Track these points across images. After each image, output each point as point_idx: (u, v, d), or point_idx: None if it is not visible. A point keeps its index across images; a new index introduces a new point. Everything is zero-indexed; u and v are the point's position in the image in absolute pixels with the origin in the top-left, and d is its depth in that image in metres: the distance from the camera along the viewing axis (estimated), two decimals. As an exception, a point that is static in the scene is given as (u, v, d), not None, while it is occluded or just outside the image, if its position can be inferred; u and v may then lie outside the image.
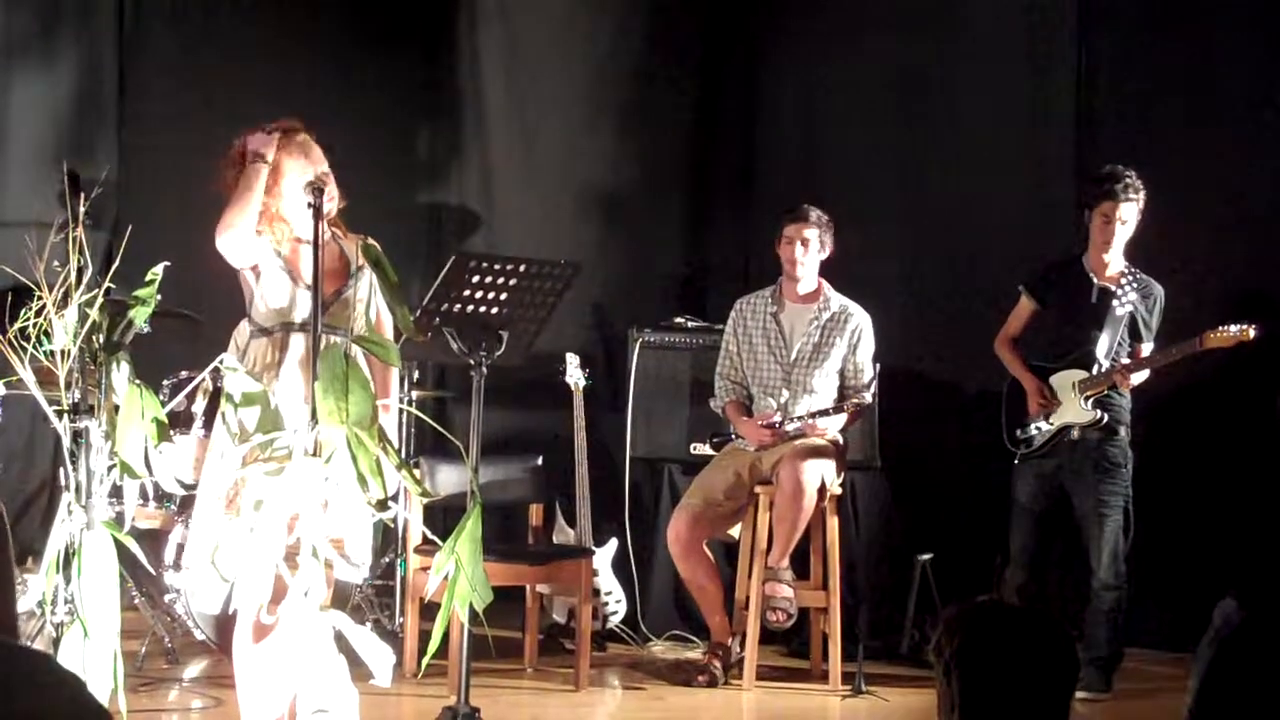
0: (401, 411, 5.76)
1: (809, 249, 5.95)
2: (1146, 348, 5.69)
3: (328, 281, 4.10)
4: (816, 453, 5.75)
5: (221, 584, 3.93)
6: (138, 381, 3.90)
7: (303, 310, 4.15)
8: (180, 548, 5.61)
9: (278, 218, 4.20)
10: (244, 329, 4.25)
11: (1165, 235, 5.86)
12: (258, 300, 4.18)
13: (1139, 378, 5.64)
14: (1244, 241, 6.35)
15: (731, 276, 6.93)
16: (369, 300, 4.28)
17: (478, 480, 4.26)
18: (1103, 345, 5.66)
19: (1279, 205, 6.32)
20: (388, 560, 6.27)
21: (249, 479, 3.92)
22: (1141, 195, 5.65)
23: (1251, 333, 5.41)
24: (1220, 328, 5.43)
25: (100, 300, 3.90)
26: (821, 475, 5.70)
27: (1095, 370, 5.66)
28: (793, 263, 5.97)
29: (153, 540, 5.59)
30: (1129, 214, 5.65)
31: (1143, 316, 5.69)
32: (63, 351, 3.87)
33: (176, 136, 6.95)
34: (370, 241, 4.21)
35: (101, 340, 3.89)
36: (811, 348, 5.97)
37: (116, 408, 3.85)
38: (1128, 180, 5.62)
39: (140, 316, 3.95)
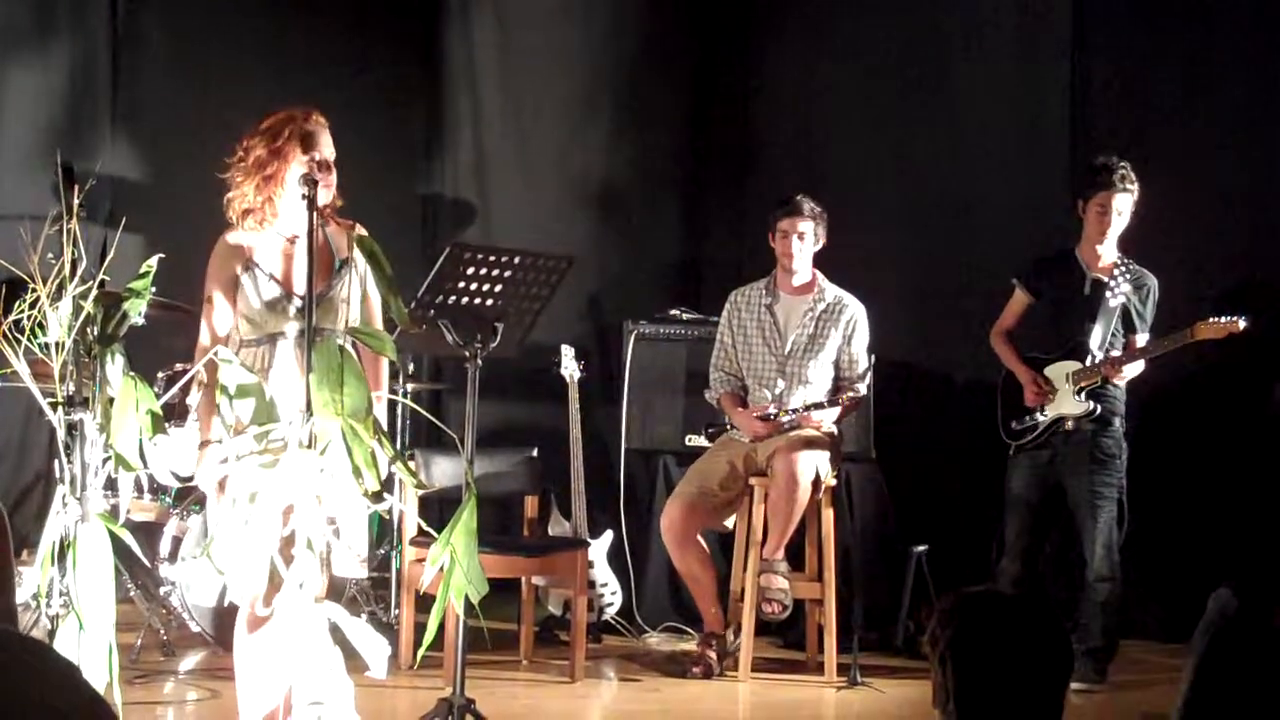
0: (397, 404, 5.76)
1: (804, 241, 5.96)
2: (1141, 338, 5.69)
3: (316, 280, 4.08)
4: (811, 444, 5.76)
5: (217, 576, 3.93)
6: (132, 374, 3.89)
7: (292, 314, 4.14)
8: (175, 540, 5.62)
9: (273, 214, 4.18)
10: (234, 335, 4.24)
11: (1161, 229, 5.86)
12: (251, 300, 4.16)
13: (1132, 370, 5.64)
14: (1239, 235, 6.36)
15: (727, 269, 6.93)
16: (362, 295, 4.26)
17: (473, 472, 4.25)
18: (1095, 337, 5.67)
19: (1274, 199, 6.32)
20: (383, 552, 6.28)
21: (242, 470, 3.92)
22: (1136, 188, 5.66)
23: (1241, 324, 5.42)
24: (1211, 319, 5.44)
25: (94, 293, 3.89)
26: (816, 467, 5.71)
27: (1089, 361, 5.67)
28: (789, 256, 5.97)
29: (148, 533, 5.59)
30: (1124, 205, 5.66)
31: (1136, 307, 5.70)
32: (57, 344, 3.86)
33: (171, 128, 6.95)
34: (362, 232, 4.20)
35: (96, 333, 3.89)
36: (807, 339, 5.98)
37: (111, 400, 3.84)
38: (1123, 171, 5.63)
39: (135, 309, 3.94)
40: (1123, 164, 5.65)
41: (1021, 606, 2.50)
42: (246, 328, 4.17)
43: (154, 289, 4.01)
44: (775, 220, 6.00)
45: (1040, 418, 5.73)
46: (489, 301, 4.56)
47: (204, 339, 4.17)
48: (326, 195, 4.16)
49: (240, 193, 4.17)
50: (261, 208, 4.16)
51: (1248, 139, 6.37)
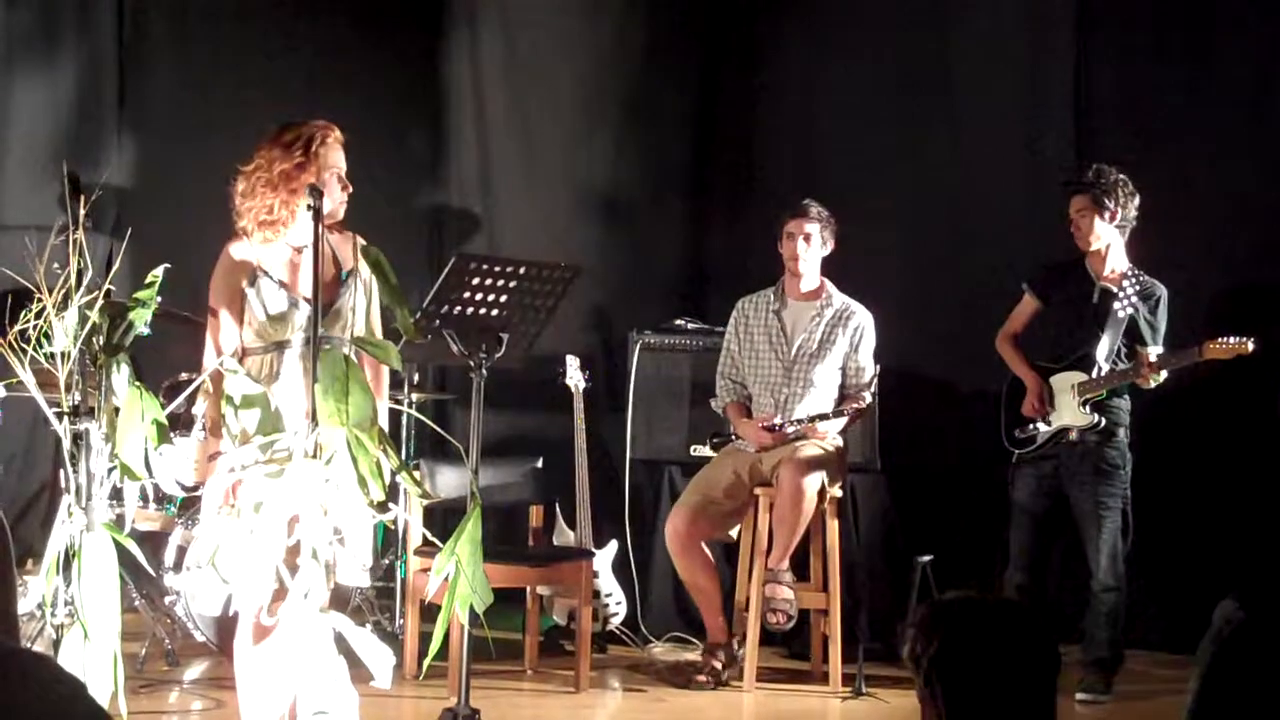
0: (402, 413, 5.76)
1: (810, 244, 5.97)
2: (1152, 350, 5.63)
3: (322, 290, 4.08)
4: (817, 456, 5.75)
5: (222, 586, 3.93)
6: (138, 384, 3.90)
7: (295, 322, 4.14)
8: (180, 549, 5.62)
9: (276, 224, 4.18)
10: (239, 348, 4.24)
11: (1164, 234, 5.86)
12: (257, 312, 4.16)
13: (1159, 377, 5.57)
14: (1244, 240, 6.35)
15: (731, 278, 6.92)
16: (369, 303, 4.27)
17: (478, 482, 4.26)
18: (1103, 348, 5.65)
19: (1277, 208, 6.32)
20: (388, 562, 6.27)
21: (247, 480, 3.92)
22: (1102, 195, 5.61)
23: (1250, 346, 5.38)
24: (1220, 339, 5.40)
25: (100, 302, 3.90)
26: (822, 478, 5.70)
27: (1095, 373, 5.65)
28: (795, 258, 5.97)
29: (153, 542, 5.59)
30: (1078, 205, 5.65)
31: (1146, 318, 5.67)
32: (63, 354, 3.87)
33: (177, 139, 6.97)
34: (365, 244, 4.21)
35: (101, 342, 3.89)
36: (815, 345, 5.98)
37: (116, 410, 3.85)
38: (1084, 178, 5.63)
39: (140, 319, 3.95)
40: (1096, 169, 5.65)
41: (1000, 610, 2.46)
42: (253, 337, 4.18)
43: (160, 299, 4.02)
44: (782, 224, 6.01)
45: (1043, 427, 5.72)
46: (494, 311, 4.57)
47: (209, 356, 4.16)
48: (342, 209, 4.19)
49: (262, 204, 4.15)
50: (281, 219, 4.16)
51: (1252, 143, 6.37)
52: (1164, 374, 5.54)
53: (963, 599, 2.46)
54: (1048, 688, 2.39)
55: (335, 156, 4.20)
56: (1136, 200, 5.69)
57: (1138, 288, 5.65)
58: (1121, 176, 5.66)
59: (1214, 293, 6.23)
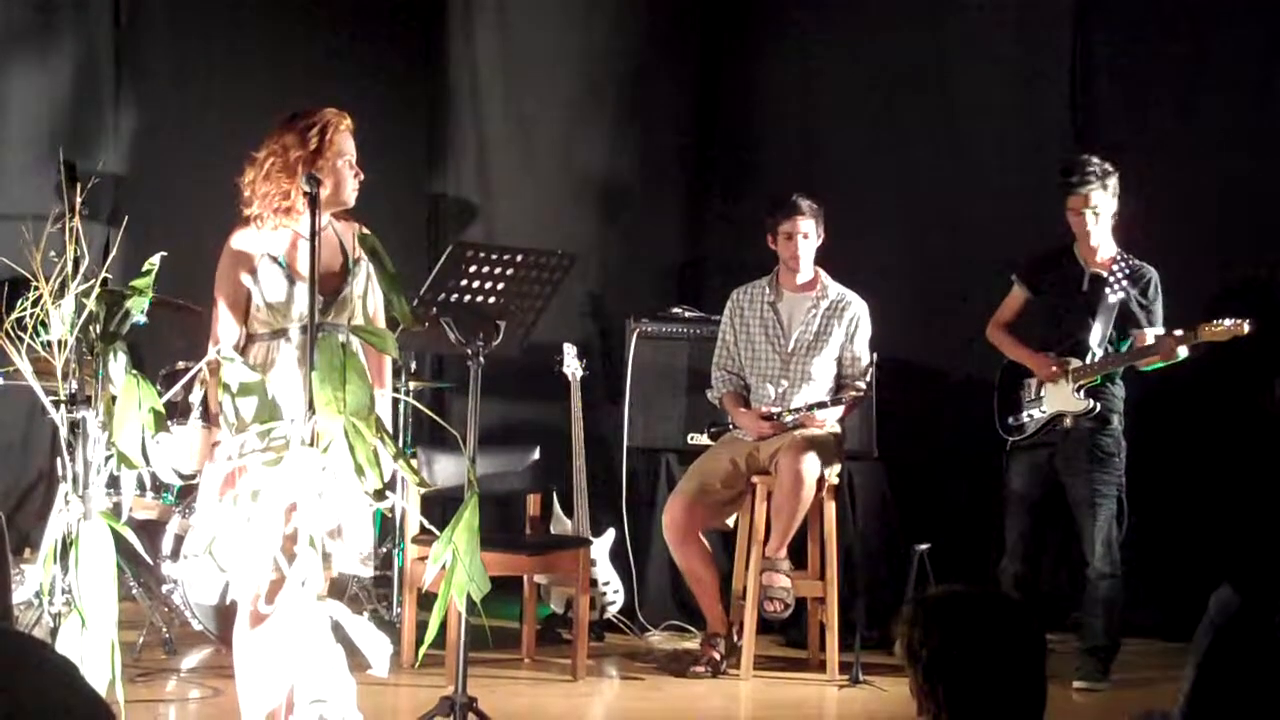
0: (399, 402, 5.76)
1: (808, 240, 5.97)
2: (1150, 333, 5.64)
3: (326, 281, 4.07)
4: (815, 444, 5.76)
5: (219, 574, 3.93)
6: (135, 372, 3.89)
7: (300, 309, 4.14)
8: (178, 538, 5.63)
9: (293, 210, 4.17)
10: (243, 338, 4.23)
11: (1162, 226, 5.85)
12: (257, 300, 4.16)
13: (1182, 352, 5.53)
14: (1241, 231, 6.35)
15: (728, 267, 6.92)
16: (366, 292, 4.27)
17: (475, 470, 4.26)
18: (1095, 334, 5.65)
19: (1276, 197, 6.32)
20: (385, 551, 6.28)
21: (245, 468, 3.92)
22: (1109, 180, 5.60)
23: (1246, 327, 5.38)
24: (1215, 321, 5.40)
25: (97, 291, 3.89)
26: (820, 467, 5.71)
27: (1089, 359, 5.65)
28: (795, 257, 5.98)
29: (150, 531, 5.60)
30: (1097, 200, 5.63)
31: (1138, 301, 5.65)
32: (59, 342, 3.87)
33: (174, 127, 6.96)
34: (365, 231, 4.21)
35: (98, 331, 3.89)
36: (811, 336, 5.98)
37: (113, 398, 3.85)
38: (1087, 169, 5.60)
39: (137, 307, 3.95)
40: (1086, 160, 5.63)
41: (991, 603, 2.49)
42: (258, 325, 4.17)
43: (156, 287, 4.02)
44: (775, 223, 6.00)
45: (1037, 414, 5.72)
46: (491, 300, 4.57)
47: (212, 349, 4.16)
48: (353, 196, 4.19)
49: (278, 189, 4.14)
50: (296, 205, 4.15)
51: (1249, 137, 6.37)
52: (1184, 350, 5.49)
53: (954, 594, 2.50)
54: (1038, 671, 2.42)
55: (348, 144, 4.22)
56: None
57: (1127, 271, 5.64)
58: (1107, 164, 5.66)
59: (1211, 281, 6.23)
